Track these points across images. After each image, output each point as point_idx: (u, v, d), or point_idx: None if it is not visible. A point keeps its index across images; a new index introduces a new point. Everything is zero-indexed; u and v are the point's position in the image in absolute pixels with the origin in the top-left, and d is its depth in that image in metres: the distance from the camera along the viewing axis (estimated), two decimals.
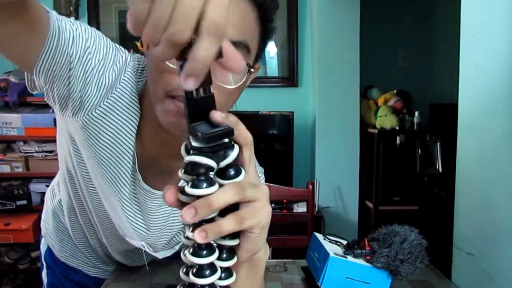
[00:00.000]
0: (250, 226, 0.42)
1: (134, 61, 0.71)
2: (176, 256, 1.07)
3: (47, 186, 2.33)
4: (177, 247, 0.96)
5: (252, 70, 0.65)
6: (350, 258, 0.91)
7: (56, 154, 2.50)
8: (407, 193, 2.68)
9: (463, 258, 1.06)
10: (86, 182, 0.81)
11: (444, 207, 2.04)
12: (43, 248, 1.09)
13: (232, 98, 0.65)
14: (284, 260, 1.15)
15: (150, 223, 0.83)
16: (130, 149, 0.73)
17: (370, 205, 2.72)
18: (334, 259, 0.89)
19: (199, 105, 0.38)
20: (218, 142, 0.39)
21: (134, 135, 0.72)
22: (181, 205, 0.41)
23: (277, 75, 2.82)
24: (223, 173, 0.41)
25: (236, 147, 0.42)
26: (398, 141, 2.62)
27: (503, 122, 0.94)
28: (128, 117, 0.70)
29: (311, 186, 1.66)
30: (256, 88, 2.77)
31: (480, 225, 1.00)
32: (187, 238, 0.43)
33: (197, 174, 0.39)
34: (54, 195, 1.02)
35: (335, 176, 2.60)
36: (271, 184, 1.59)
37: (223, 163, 0.40)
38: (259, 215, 0.42)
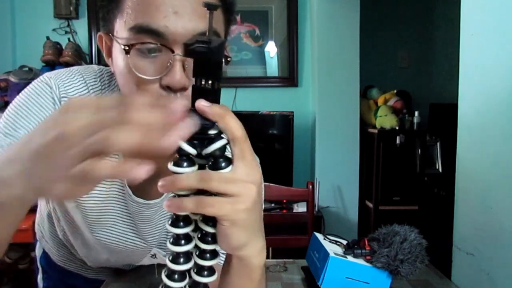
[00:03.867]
0: (211, 214, 0.43)
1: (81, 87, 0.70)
2: None
3: None
4: None
5: (229, 59, 0.63)
6: (350, 258, 0.91)
7: None
8: (407, 193, 2.68)
9: (463, 258, 1.06)
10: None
11: (444, 207, 2.04)
12: (38, 252, 1.06)
13: None
14: (284, 260, 1.15)
15: (147, 232, 0.82)
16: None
17: (370, 205, 2.71)
18: (334, 259, 0.89)
19: (202, 95, 0.42)
20: (202, 132, 0.43)
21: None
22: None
23: (277, 75, 2.82)
24: (213, 164, 0.44)
25: (224, 139, 0.44)
26: (398, 141, 2.62)
27: (503, 122, 0.94)
28: None
29: (311, 186, 1.66)
30: (256, 88, 2.77)
31: (480, 225, 1.00)
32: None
33: (179, 154, 0.43)
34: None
35: (335, 176, 2.60)
36: (271, 184, 1.59)
37: (206, 151, 0.44)
38: (222, 208, 0.43)
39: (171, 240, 0.47)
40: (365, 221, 2.72)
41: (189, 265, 0.47)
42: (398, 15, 3.23)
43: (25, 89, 0.69)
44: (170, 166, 0.44)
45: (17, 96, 0.69)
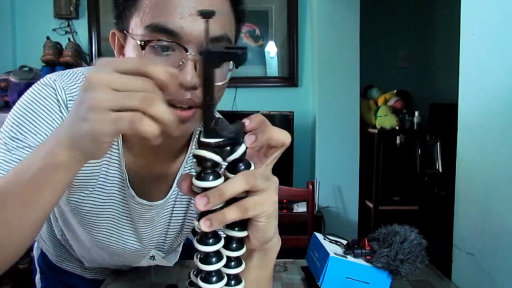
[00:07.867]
0: (254, 215, 0.44)
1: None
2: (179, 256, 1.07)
3: None
4: (179, 249, 0.95)
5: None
6: (350, 258, 0.91)
7: None
8: (407, 193, 2.68)
9: (463, 258, 1.06)
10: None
11: (444, 207, 2.04)
12: (36, 253, 1.06)
13: (219, 94, 0.66)
14: (284, 260, 1.14)
15: (146, 234, 0.82)
16: (117, 168, 0.72)
17: (370, 205, 2.72)
18: (334, 259, 0.88)
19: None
20: (225, 139, 0.42)
21: (117, 155, 0.71)
22: (194, 193, 0.43)
23: (277, 75, 2.82)
24: (233, 168, 0.44)
25: (244, 144, 0.44)
26: (398, 141, 2.62)
27: (503, 122, 0.94)
28: None
29: (311, 186, 1.66)
30: (256, 88, 2.77)
31: (480, 225, 1.00)
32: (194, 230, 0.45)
33: (203, 167, 0.42)
34: None
35: (335, 176, 2.60)
36: None
37: (230, 158, 0.43)
38: (263, 205, 0.44)
39: (201, 258, 0.45)
40: (365, 221, 2.72)
41: (223, 283, 0.45)
42: (398, 15, 3.23)
43: (28, 92, 0.68)
44: (199, 182, 0.42)
45: (21, 99, 0.68)
